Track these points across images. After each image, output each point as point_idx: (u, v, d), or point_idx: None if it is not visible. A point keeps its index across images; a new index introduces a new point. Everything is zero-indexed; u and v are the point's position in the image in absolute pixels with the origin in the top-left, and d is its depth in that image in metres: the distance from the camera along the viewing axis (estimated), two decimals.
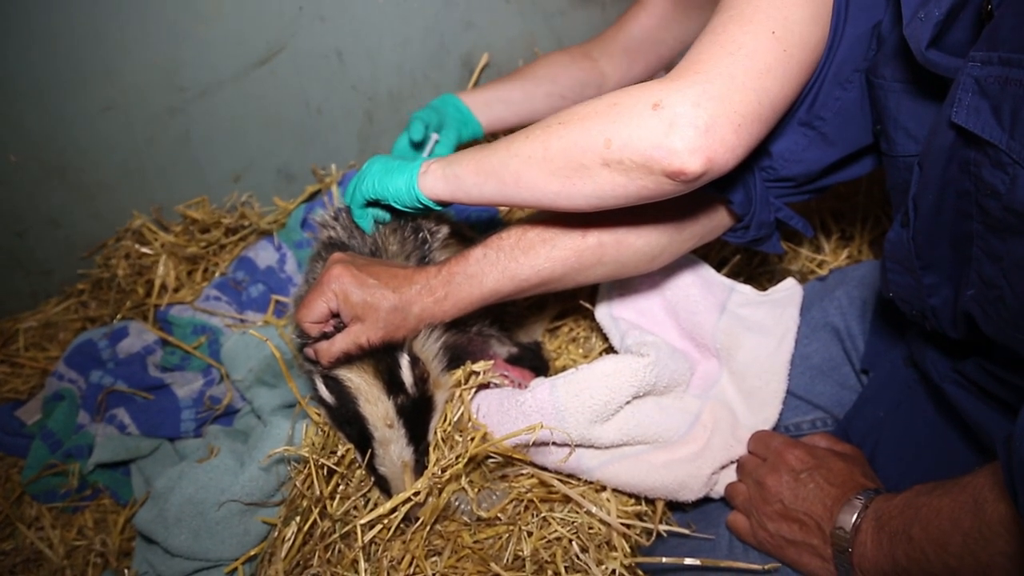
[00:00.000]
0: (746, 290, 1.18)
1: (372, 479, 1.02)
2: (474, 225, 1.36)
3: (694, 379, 1.15)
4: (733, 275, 1.31)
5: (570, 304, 1.31)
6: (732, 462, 1.08)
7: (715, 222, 1.02)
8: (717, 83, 0.79)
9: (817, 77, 0.90)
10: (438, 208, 1.00)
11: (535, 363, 1.24)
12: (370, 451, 0.98)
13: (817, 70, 0.89)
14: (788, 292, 1.18)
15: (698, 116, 0.78)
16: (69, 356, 1.37)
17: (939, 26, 0.74)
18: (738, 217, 1.01)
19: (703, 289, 1.16)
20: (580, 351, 1.32)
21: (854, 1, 0.87)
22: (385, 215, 1.08)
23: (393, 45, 1.45)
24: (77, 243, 1.46)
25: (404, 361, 0.97)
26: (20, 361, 1.44)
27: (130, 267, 1.44)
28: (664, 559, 1.02)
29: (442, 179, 0.95)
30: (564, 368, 1.22)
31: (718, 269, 1.23)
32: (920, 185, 0.80)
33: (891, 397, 1.07)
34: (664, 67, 1.44)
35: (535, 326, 1.32)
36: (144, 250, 1.44)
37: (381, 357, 0.99)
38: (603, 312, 1.18)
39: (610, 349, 1.21)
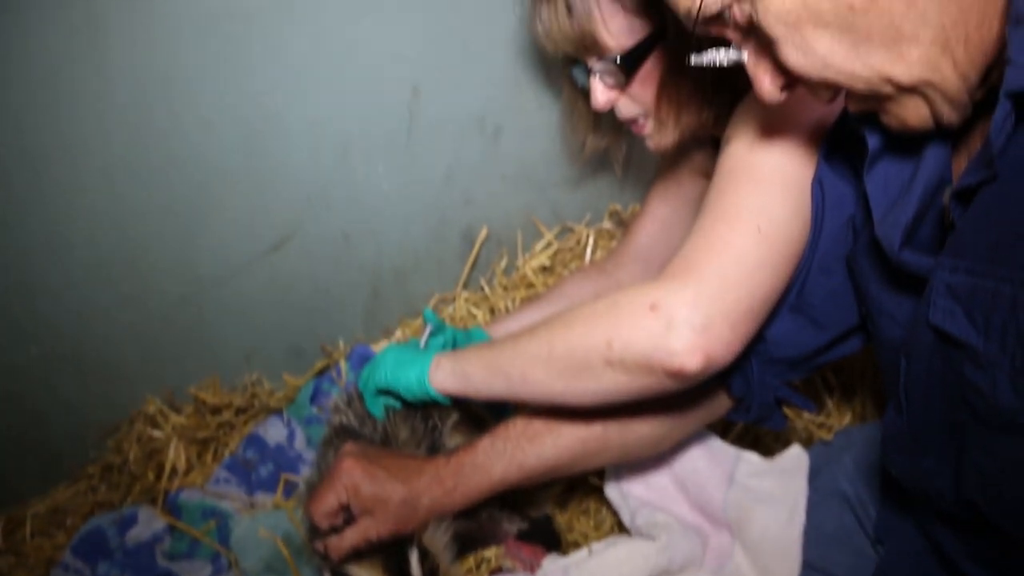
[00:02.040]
0: (752, 458, 1.19)
1: None
2: None
3: (708, 553, 1.14)
4: (739, 436, 1.32)
5: (579, 477, 1.32)
6: None
7: (717, 404, 1.04)
8: (710, 283, 0.84)
9: (803, 267, 0.95)
10: (447, 402, 1.03)
11: (546, 538, 1.23)
12: None
13: (803, 260, 0.94)
14: (794, 459, 1.18)
15: (694, 317, 0.82)
16: (76, 545, 1.35)
17: (908, 230, 0.79)
18: (738, 399, 1.03)
19: (710, 461, 1.17)
20: (591, 523, 1.31)
21: (829, 198, 0.93)
22: (396, 403, 1.11)
23: (396, 225, 1.52)
24: (90, 428, 1.48)
25: (414, 557, 0.98)
26: (26, 550, 1.42)
27: (141, 450, 1.45)
28: None
29: (452, 375, 0.99)
30: (576, 543, 1.21)
31: (724, 430, 1.24)
32: (908, 376, 0.82)
33: (908, 569, 1.05)
34: None
35: (545, 500, 1.32)
36: (155, 433, 1.46)
37: (390, 552, 0.99)
38: (612, 488, 1.19)
39: (621, 522, 1.21)
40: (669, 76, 1.13)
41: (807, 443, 1.34)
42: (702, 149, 1.40)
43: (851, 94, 0.74)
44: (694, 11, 0.72)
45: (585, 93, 1.32)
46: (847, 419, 1.42)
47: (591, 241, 1.74)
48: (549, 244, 1.72)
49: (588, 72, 1.19)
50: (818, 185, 0.93)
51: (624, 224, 1.79)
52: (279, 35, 1.25)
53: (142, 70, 1.18)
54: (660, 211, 1.46)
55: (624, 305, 0.86)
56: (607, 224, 1.79)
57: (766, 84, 0.77)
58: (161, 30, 1.15)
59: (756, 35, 0.74)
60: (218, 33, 1.19)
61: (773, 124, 0.95)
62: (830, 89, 0.74)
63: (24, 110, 1.13)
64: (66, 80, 1.13)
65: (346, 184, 1.42)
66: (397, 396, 1.09)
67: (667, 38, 1.11)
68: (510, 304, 1.63)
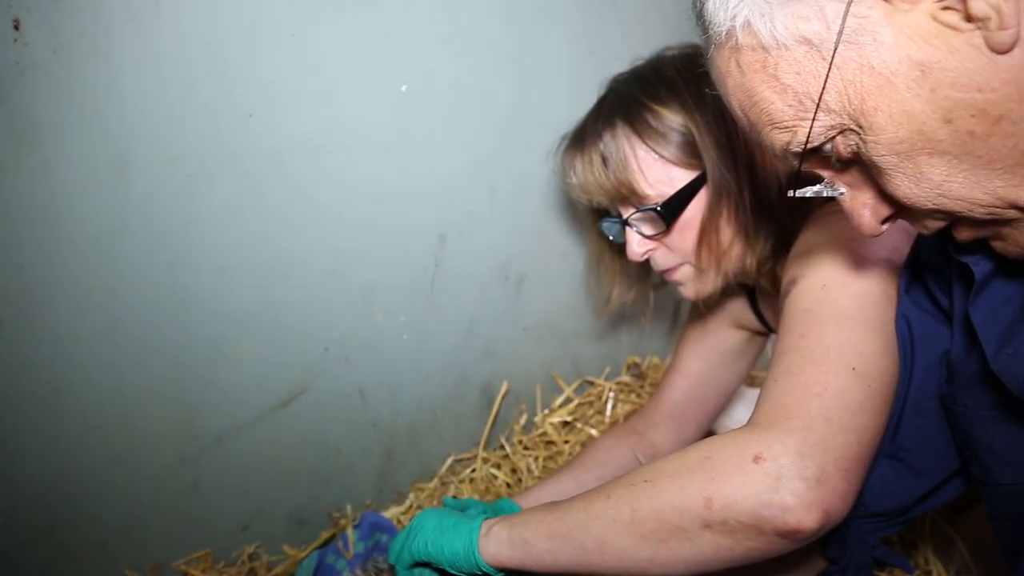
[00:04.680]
0: None
1: None
2: None
3: None
4: None
5: None
6: None
7: (808, 567, 0.93)
8: (815, 429, 0.75)
9: (896, 409, 0.87)
10: (499, 575, 0.89)
11: None
12: None
13: (896, 401, 0.87)
14: None
15: (806, 467, 0.73)
16: None
17: None
18: (833, 560, 0.92)
19: None
20: None
21: (917, 332, 0.87)
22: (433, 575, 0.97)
23: (415, 380, 1.43)
24: None
25: None
26: None
27: None
28: None
29: (507, 543, 0.86)
30: None
31: None
32: None
33: None
34: (712, 421, 1.42)
35: None
36: None
37: None
38: None
39: None
40: (710, 223, 1.10)
41: None
42: (734, 299, 1.36)
43: (964, 221, 0.69)
44: (794, 146, 0.69)
45: (615, 246, 1.29)
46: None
47: (611, 396, 1.66)
48: (568, 399, 1.63)
49: (622, 224, 1.16)
50: (904, 321, 0.87)
51: (643, 376, 1.72)
52: (304, 176, 1.20)
53: (160, 208, 1.11)
54: (693, 366, 1.39)
55: (720, 457, 0.77)
56: (625, 377, 1.71)
57: (866, 218, 0.72)
58: (183, 166, 1.09)
59: (859, 166, 0.70)
60: (241, 172, 1.14)
61: (845, 261, 0.91)
62: (942, 217, 0.70)
63: (27, 239, 1.04)
64: (81, 214, 1.05)
65: (366, 334, 1.33)
66: (438, 569, 0.95)
67: (708, 184, 1.09)
68: (532, 463, 1.51)
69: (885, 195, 0.70)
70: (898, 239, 0.95)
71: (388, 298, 1.34)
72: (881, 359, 0.84)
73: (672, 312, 1.79)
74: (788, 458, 0.73)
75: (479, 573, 0.90)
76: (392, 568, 1.01)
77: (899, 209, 0.71)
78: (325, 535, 1.39)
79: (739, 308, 1.36)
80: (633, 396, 1.69)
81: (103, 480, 1.23)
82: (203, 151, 1.09)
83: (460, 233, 1.37)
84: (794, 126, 0.68)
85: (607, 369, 1.69)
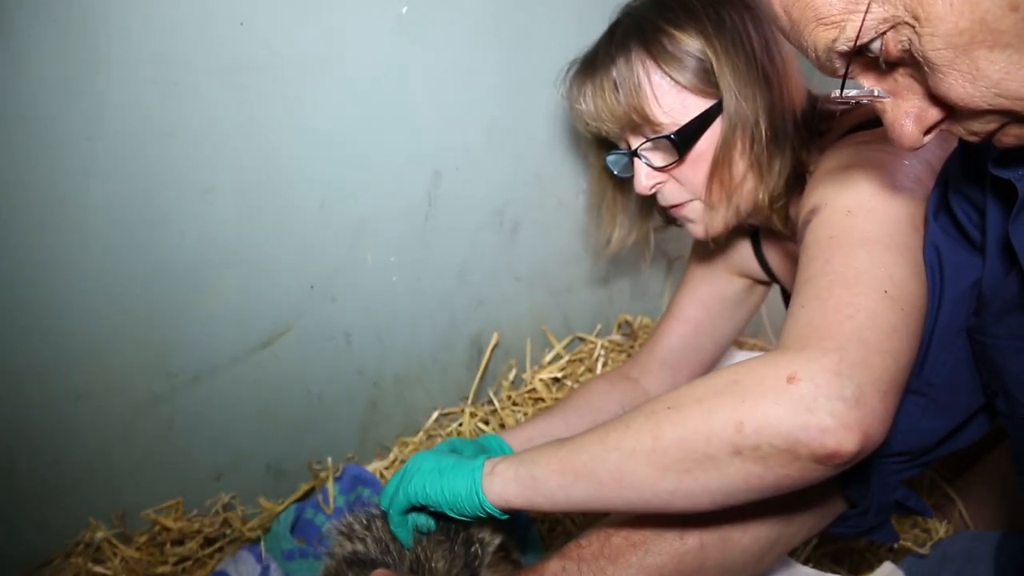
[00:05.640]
0: None
1: None
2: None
3: None
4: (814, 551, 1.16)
5: None
6: None
7: (827, 509, 0.89)
8: (851, 349, 0.71)
9: (924, 341, 0.83)
10: (504, 517, 0.83)
11: None
12: None
13: (924, 332, 0.83)
14: None
15: (844, 386, 0.68)
16: None
17: None
18: (853, 503, 0.88)
19: None
20: None
21: (947, 260, 0.84)
22: (429, 522, 0.91)
23: (403, 326, 1.36)
24: (11, 561, 1.19)
25: None
26: None
27: None
28: None
29: (514, 481, 0.80)
30: None
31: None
32: None
33: None
34: (706, 371, 1.38)
35: None
36: (98, 569, 1.18)
37: None
38: None
39: None
40: (723, 154, 1.05)
41: (897, 558, 1.18)
42: (738, 245, 1.32)
43: (1016, 123, 0.65)
44: (841, 43, 0.64)
45: (619, 184, 1.25)
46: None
47: (602, 354, 1.61)
48: (559, 356, 1.58)
49: (630, 156, 1.11)
50: (933, 248, 0.84)
51: (634, 336, 1.68)
52: (296, 95, 1.12)
53: (140, 117, 1.01)
54: (691, 312, 1.35)
55: (750, 379, 0.72)
56: (616, 336, 1.67)
57: (907, 128, 0.67)
58: (166, 73, 1.00)
59: (906, 68, 0.65)
60: (229, 84, 1.05)
61: (870, 187, 0.87)
62: (994, 120, 0.65)
63: None
64: (51, 117, 0.96)
65: (354, 272, 1.26)
66: (436, 513, 0.89)
67: (723, 114, 1.05)
68: (521, 419, 1.46)
69: (934, 98, 0.65)
70: (921, 170, 0.91)
71: (379, 235, 1.27)
72: (911, 284, 0.80)
73: (665, 271, 1.75)
74: (825, 377, 0.68)
75: (483, 514, 0.84)
76: (384, 514, 0.94)
77: (947, 114, 0.66)
78: (304, 488, 1.32)
79: (742, 254, 1.32)
80: (624, 356, 1.64)
81: (68, 418, 1.14)
82: (188, 58, 1.01)
83: (456, 170, 1.31)
84: (842, 20, 0.63)
85: (598, 327, 1.64)
